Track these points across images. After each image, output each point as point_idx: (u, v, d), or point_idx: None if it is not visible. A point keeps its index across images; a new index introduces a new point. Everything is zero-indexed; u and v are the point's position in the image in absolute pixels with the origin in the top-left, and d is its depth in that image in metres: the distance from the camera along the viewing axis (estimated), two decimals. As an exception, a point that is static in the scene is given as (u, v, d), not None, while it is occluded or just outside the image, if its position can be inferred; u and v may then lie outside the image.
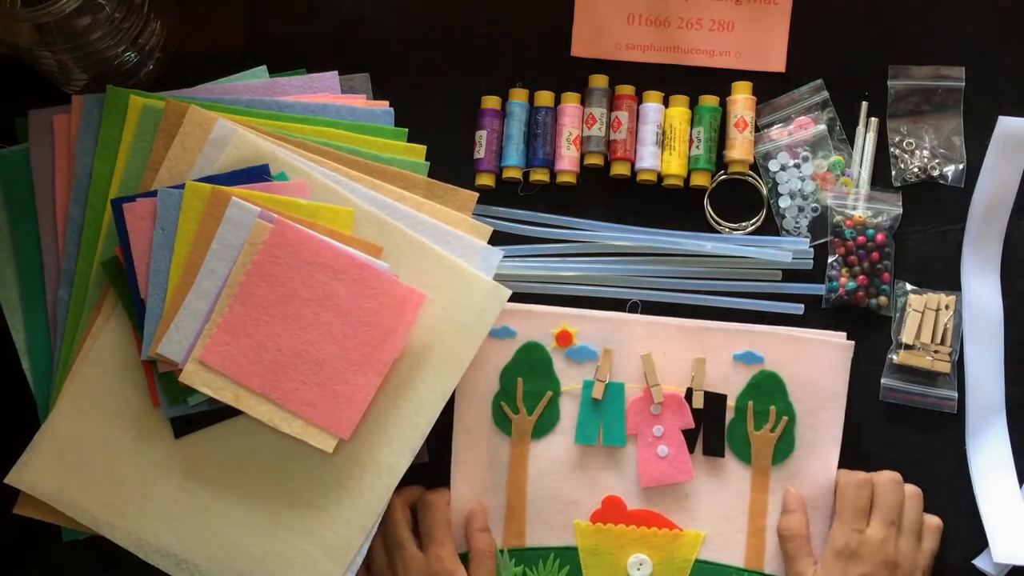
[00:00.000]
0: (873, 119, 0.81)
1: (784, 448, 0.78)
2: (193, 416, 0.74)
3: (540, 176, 0.81)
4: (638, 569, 0.77)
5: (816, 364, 0.78)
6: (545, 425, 0.79)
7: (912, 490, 0.76)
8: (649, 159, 0.80)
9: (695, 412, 0.78)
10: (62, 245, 0.77)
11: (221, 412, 0.74)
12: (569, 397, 0.79)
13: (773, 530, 0.78)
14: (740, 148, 0.79)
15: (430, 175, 0.79)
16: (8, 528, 0.77)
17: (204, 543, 0.74)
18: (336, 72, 0.81)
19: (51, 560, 0.79)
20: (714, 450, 0.78)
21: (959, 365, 0.79)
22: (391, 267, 0.74)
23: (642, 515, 0.78)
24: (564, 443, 0.78)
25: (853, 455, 0.79)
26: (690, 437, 0.78)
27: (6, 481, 0.74)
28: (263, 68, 0.80)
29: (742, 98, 0.80)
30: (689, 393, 0.78)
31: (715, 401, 0.78)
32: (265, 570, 0.74)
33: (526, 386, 0.78)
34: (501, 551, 0.77)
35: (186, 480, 0.74)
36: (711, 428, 0.78)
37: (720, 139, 0.81)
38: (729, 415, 0.78)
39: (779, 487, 0.78)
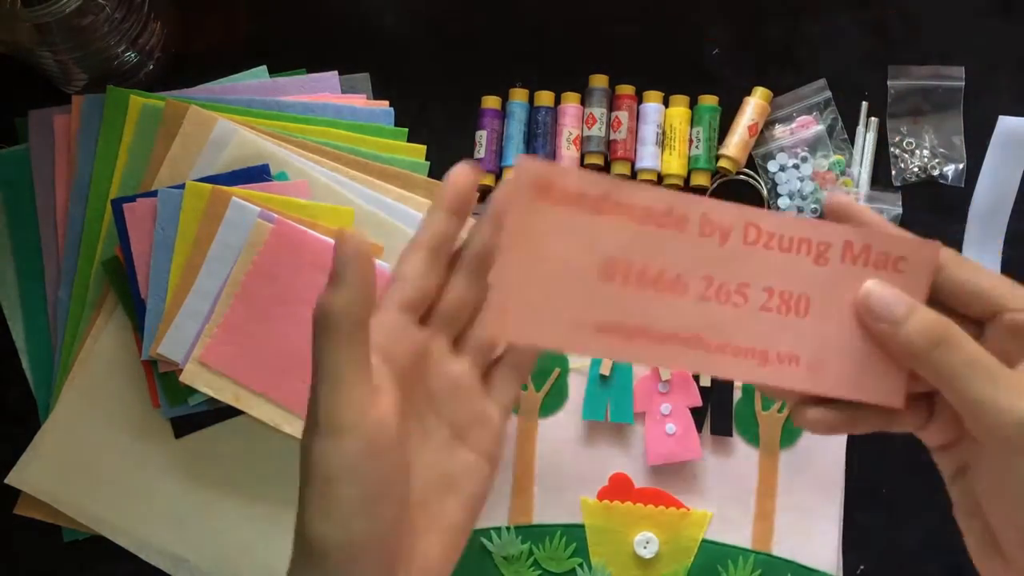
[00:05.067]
0: (873, 119, 0.81)
1: (793, 430, 0.78)
2: (193, 416, 0.74)
3: (540, 176, 0.81)
4: (645, 547, 0.77)
5: None
6: (553, 402, 0.79)
7: None
8: (649, 159, 0.80)
9: (702, 391, 0.78)
10: (62, 245, 0.77)
11: (221, 412, 0.74)
12: (577, 375, 0.79)
13: (781, 512, 0.77)
14: (735, 148, 0.79)
15: (430, 175, 0.79)
16: (8, 528, 0.77)
17: (204, 543, 0.74)
18: (336, 72, 0.81)
19: (51, 560, 0.79)
20: (721, 429, 0.78)
21: (959, 365, 0.79)
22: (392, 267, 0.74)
23: (649, 493, 0.78)
24: (571, 421, 0.78)
25: (852, 455, 0.79)
26: (697, 416, 0.78)
27: (6, 481, 0.74)
28: (263, 68, 0.80)
29: (761, 104, 0.79)
30: (696, 375, 0.78)
31: (722, 380, 0.78)
32: (266, 570, 0.74)
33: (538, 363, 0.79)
34: (507, 528, 0.77)
35: (186, 480, 0.74)
36: (718, 407, 0.78)
37: (720, 139, 0.81)
38: (736, 396, 0.78)
39: (787, 470, 0.78)
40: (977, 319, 0.45)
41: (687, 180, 0.81)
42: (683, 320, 0.44)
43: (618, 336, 0.43)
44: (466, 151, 0.81)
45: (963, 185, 0.80)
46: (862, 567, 0.78)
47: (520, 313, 0.42)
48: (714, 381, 0.78)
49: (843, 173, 0.80)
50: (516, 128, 0.80)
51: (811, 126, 0.80)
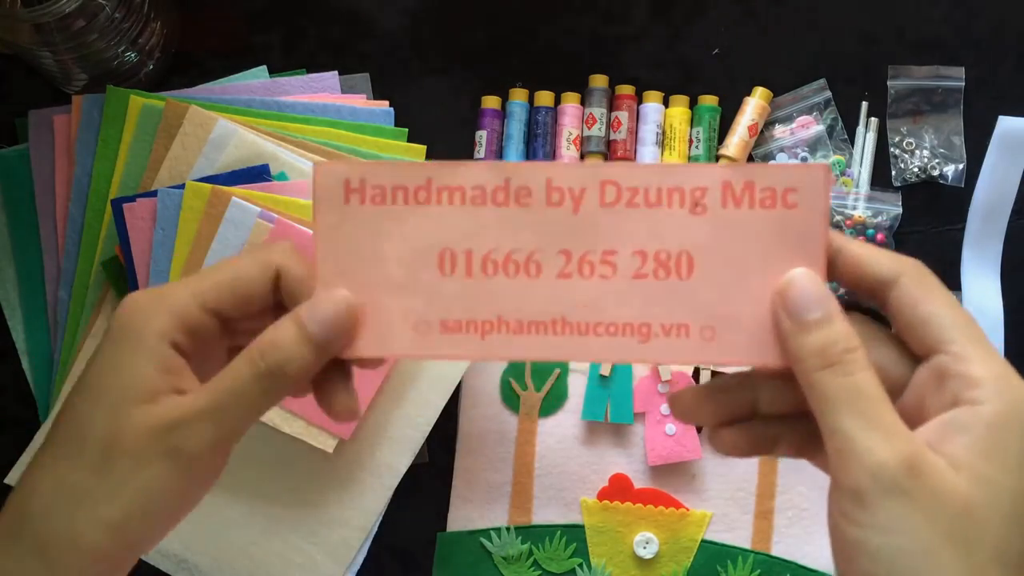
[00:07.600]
0: (873, 119, 0.81)
1: None
2: (193, 416, 0.74)
3: (540, 176, 0.81)
4: (644, 547, 0.77)
5: None
6: (553, 402, 0.79)
7: None
8: (649, 159, 0.80)
9: None
10: (62, 245, 0.77)
11: (221, 412, 0.74)
12: (577, 375, 0.79)
13: (780, 512, 0.77)
14: (735, 148, 0.79)
15: (430, 175, 0.79)
16: (8, 528, 0.77)
17: (204, 543, 0.74)
18: (336, 72, 0.81)
19: (51, 560, 0.79)
20: None
21: (959, 365, 0.79)
22: (391, 267, 0.74)
23: (649, 493, 0.78)
24: (571, 420, 0.79)
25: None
26: None
27: (6, 481, 0.74)
28: (263, 68, 0.80)
29: (761, 104, 0.79)
30: (696, 372, 0.78)
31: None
32: (266, 570, 0.74)
33: (534, 363, 0.79)
34: (507, 528, 0.77)
35: (186, 480, 0.74)
36: None
37: (720, 139, 0.81)
38: None
39: (787, 470, 0.78)
40: (915, 356, 0.38)
41: (687, 180, 0.81)
42: (541, 304, 0.40)
43: (469, 334, 0.40)
44: (466, 151, 0.81)
45: (963, 185, 0.80)
46: (862, 567, 0.78)
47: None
48: (714, 376, 0.78)
49: (843, 173, 0.80)
50: (516, 128, 0.80)
51: (811, 126, 0.80)
